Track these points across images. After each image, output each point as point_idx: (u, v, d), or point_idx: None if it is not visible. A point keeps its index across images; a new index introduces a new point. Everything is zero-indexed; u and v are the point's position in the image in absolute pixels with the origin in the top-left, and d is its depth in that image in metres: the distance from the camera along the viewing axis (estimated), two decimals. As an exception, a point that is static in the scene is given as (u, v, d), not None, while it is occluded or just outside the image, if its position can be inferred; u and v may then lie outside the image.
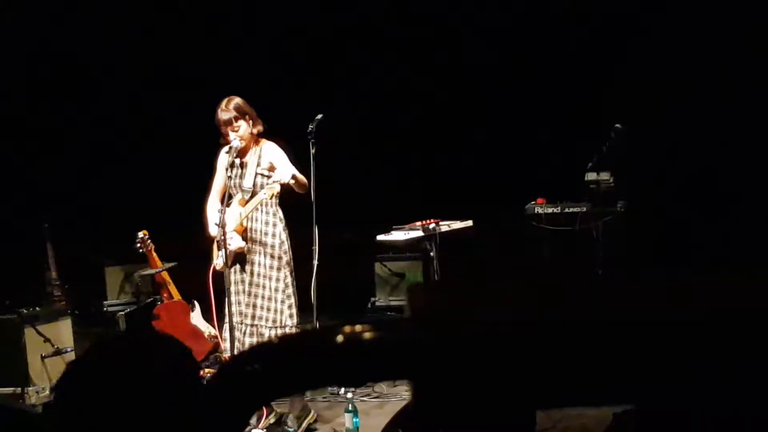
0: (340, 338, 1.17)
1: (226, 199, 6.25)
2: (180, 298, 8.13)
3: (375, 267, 9.93)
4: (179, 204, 7.62)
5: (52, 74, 10.60)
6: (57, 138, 10.66)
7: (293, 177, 6.08)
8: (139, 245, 7.98)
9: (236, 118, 6.18)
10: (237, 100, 6.24)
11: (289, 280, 6.26)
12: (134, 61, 10.78)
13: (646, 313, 1.09)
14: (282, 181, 6.04)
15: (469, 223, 8.09)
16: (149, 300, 8.20)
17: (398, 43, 10.67)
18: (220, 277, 6.26)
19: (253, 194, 6.19)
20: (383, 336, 1.17)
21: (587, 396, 1.12)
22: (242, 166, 6.29)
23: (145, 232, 8.02)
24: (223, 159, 6.39)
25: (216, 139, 6.38)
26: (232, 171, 6.25)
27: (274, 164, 6.20)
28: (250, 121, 6.24)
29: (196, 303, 8.01)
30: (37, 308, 7.58)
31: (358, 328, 1.18)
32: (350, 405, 5.98)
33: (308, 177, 6.37)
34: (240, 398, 1.20)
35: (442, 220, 8.03)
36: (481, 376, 1.09)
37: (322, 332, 1.26)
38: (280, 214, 6.30)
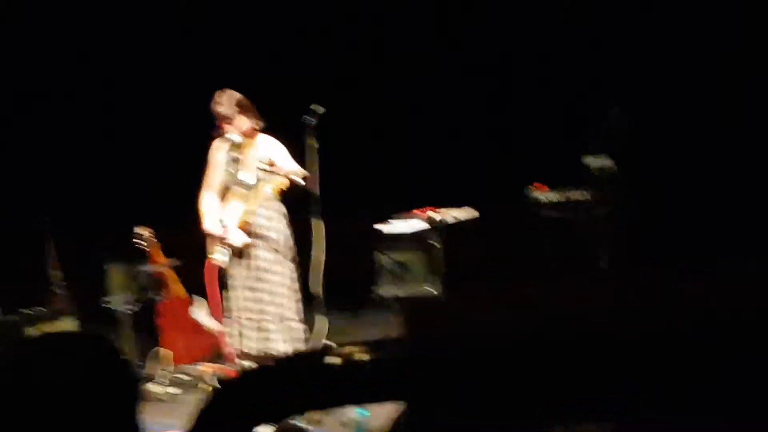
0: (335, 360, 1.15)
1: (226, 194, 6.23)
2: (184, 294, 8.11)
3: (376, 256, 9.90)
4: (182, 200, 7.59)
5: (50, 68, 10.57)
6: (58, 134, 10.64)
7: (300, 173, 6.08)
8: (141, 242, 7.95)
9: (237, 113, 6.18)
10: (237, 95, 6.24)
11: (294, 275, 6.26)
12: (132, 56, 10.75)
13: (641, 326, 1.06)
14: (294, 177, 6.02)
15: (476, 213, 8.04)
16: (152, 297, 8.17)
17: (391, 26, 10.64)
18: (218, 272, 6.26)
19: (255, 188, 6.17)
20: (379, 357, 1.15)
21: (584, 412, 1.10)
22: (241, 161, 6.27)
23: (148, 229, 8.00)
24: (217, 152, 6.35)
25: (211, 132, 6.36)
26: (232, 166, 6.22)
27: (274, 160, 6.18)
28: (250, 116, 6.23)
29: (199, 299, 7.99)
30: (39, 308, 7.57)
31: (353, 349, 1.15)
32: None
33: (309, 170, 6.34)
34: (232, 427, 1.17)
35: (440, 207, 7.97)
36: (476, 396, 1.07)
37: (316, 354, 1.23)
38: (284, 209, 6.29)
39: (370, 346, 1.14)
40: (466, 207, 8.06)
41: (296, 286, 6.25)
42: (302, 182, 6.10)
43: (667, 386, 1.09)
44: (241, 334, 6.20)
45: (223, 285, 6.36)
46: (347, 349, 1.15)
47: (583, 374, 1.10)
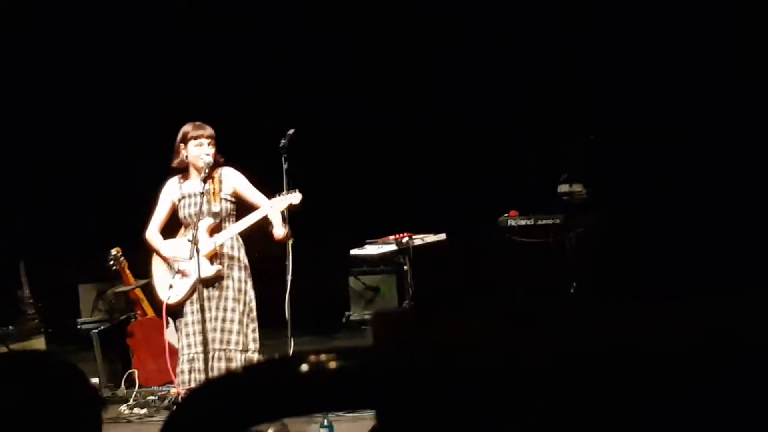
0: (304, 367, 1.17)
1: (194, 227, 6.27)
2: (154, 315, 8.09)
3: (349, 281, 9.93)
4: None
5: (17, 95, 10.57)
6: (28, 154, 10.61)
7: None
8: (112, 262, 7.94)
9: (214, 138, 6.30)
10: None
11: (253, 304, 6.33)
12: (97, 83, 10.76)
13: (619, 343, 1.09)
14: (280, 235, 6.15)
15: (443, 236, 8.09)
16: (123, 317, 8.16)
17: (364, 53, 10.71)
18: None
19: (220, 217, 6.26)
20: (347, 365, 1.17)
21: (550, 428, 1.12)
22: (206, 192, 6.31)
23: (118, 249, 7.98)
24: (170, 190, 6.45)
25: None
26: (200, 197, 6.25)
27: (239, 191, 6.28)
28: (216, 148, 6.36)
29: (170, 320, 7.97)
30: (10, 327, 7.54)
31: (322, 357, 1.17)
32: (325, 420, 5.97)
33: (281, 192, 6.40)
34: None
35: (416, 233, 8.04)
36: (445, 406, 1.09)
37: (286, 362, 1.26)
38: (241, 240, 6.39)
39: (340, 353, 1.17)
40: (442, 234, 8.12)
41: (255, 314, 6.35)
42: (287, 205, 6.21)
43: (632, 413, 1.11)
44: (198, 370, 6.19)
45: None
46: (316, 356, 1.17)
47: (548, 388, 1.12)
